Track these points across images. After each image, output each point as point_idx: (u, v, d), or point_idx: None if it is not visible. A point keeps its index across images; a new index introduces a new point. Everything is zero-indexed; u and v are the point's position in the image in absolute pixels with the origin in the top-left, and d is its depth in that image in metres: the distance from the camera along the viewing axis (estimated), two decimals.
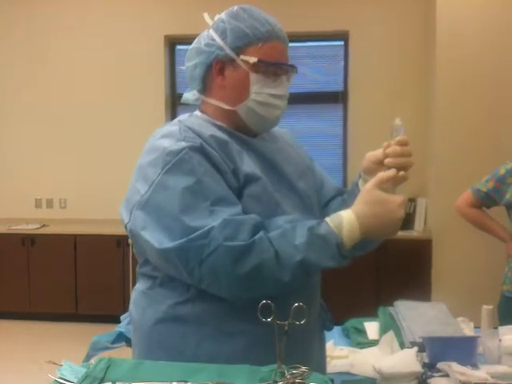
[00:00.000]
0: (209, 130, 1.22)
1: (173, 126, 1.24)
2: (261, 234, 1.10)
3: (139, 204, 1.16)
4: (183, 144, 1.16)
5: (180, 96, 5.47)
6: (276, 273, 1.08)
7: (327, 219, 1.15)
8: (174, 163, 1.14)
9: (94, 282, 4.63)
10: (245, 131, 1.29)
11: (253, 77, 1.24)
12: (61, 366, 1.08)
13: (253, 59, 1.22)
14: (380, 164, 1.21)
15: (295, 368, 0.93)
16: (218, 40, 1.25)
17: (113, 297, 4.55)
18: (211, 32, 1.28)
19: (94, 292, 4.63)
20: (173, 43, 5.09)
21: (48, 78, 5.09)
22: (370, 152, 1.27)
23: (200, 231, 1.08)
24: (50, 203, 5.14)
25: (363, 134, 4.52)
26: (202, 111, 1.34)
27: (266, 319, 0.96)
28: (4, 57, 5.12)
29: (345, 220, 1.13)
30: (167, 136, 1.21)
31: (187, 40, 5.01)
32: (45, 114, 5.10)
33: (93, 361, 1.09)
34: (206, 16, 1.32)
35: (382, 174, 1.15)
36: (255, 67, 1.23)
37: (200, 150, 1.15)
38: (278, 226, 1.13)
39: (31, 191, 5.13)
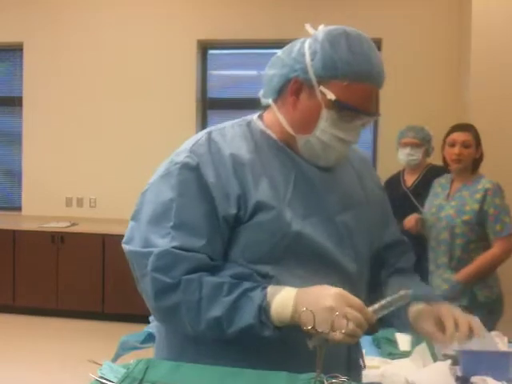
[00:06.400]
0: (236, 147, 1.17)
1: (200, 135, 1.22)
2: (194, 275, 1.08)
3: (143, 190, 1.23)
4: (181, 158, 1.15)
5: (211, 100, 5.52)
6: (192, 318, 1.08)
7: (270, 286, 1.07)
8: (166, 173, 1.16)
9: (121, 281, 4.67)
10: (294, 147, 1.22)
11: (324, 112, 1.14)
12: (100, 365, 1.10)
13: (331, 95, 1.11)
14: None
15: (334, 377, 0.93)
16: (307, 60, 1.13)
17: (139, 297, 4.54)
18: (305, 46, 1.16)
19: (120, 291, 4.67)
20: (205, 47, 5.13)
21: (79, 80, 5.18)
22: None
23: (146, 249, 1.11)
24: (80, 202, 5.23)
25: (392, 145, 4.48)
26: (261, 116, 1.29)
27: (306, 327, 0.96)
28: (36, 58, 5.23)
29: (284, 290, 1.06)
30: (189, 143, 1.20)
31: (219, 44, 5.10)
32: (78, 116, 5.19)
33: (131, 361, 1.10)
34: (308, 27, 1.19)
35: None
36: (330, 104, 1.12)
37: (193, 169, 1.13)
38: (223, 275, 1.09)
39: (62, 190, 5.22)
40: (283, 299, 1.04)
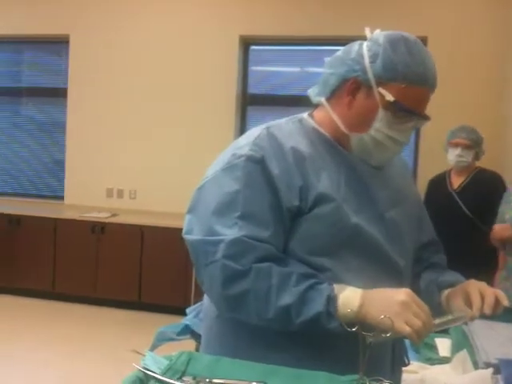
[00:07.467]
0: (295, 141, 1.20)
1: (257, 130, 1.24)
2: (264, 264, 1.10)
3: (198, 185, 1.23)
4: (245, 151, 1.17)
5: (251, 96, 5.53)
6: (261, 306, 1.09)
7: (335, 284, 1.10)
8: (230, 166, 1.17)
9: (158, 272, 4.76)
10: (345, 145, 1.25)
11: (381, 113, 1.17)
12: (143, 355, 1.12)
13: (390, 97, 1.14)
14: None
15: (377, 380, 0.92)
16: (366, 61, 1.17)
17: (175, 288, 4.66)
18: (364, 48, 1.20)
19: (157, 282, 4.76)
20: (247, 43, 5.14)
21: (122, 73, 5.26)
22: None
23: (213, 237, 1.12)
24: (120, 193, 5.33)
25: (436, 148, 4.41)
26: (311, 114, 1.31)
27: (350, 329, 0.96)
28: (82, 51, 5.34)
29: (350, 287, 1.09)
30: (246, 137, 1.24)
31: (261, 40, 5.10)
32: (121, 109, 5.28)
33: (174, 353, 1.12)
34: (367, 31, 1.22)
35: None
36: (387, 105, 1.16)
37: (259, 162, 1.16)
38: (291, 266, 1.12)
39: (103, 181, 5.34)
40: (351, 292, 1.07)
